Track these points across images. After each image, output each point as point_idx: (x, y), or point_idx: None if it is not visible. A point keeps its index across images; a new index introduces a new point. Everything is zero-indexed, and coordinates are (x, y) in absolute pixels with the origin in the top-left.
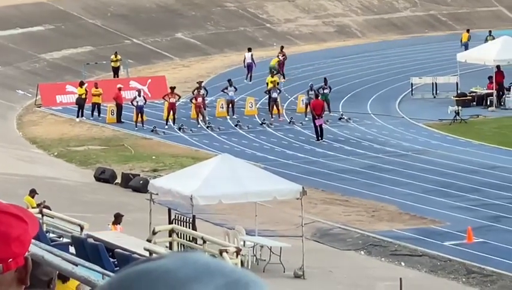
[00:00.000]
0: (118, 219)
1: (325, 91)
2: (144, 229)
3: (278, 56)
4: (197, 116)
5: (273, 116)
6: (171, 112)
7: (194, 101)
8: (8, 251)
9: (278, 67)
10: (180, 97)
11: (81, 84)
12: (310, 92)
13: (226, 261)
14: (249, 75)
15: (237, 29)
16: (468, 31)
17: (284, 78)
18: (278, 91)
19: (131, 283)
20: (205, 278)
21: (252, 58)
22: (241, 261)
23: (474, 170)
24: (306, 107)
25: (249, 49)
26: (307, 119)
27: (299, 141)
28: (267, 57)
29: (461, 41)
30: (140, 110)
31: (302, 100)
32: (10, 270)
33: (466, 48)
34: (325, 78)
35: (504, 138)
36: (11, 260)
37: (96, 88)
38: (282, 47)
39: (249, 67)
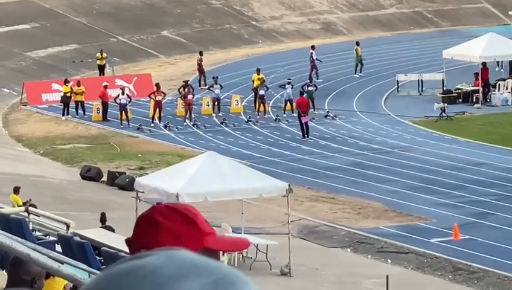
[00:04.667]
0: None
1: (309, 88)
2: (130, 227)
3: (198, 62)
4: (186, 113)
5: (259, 113)
6: (157, 110)
7: (184, 98)
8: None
9: (198, 73)
10: (165, 95)
11: (66, 82)
12: (287, 86)
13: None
14: (314, 73)
15: (223, 26)
16: None
17: (200, 85)
18: (265, 88)
19: (117, 281)
20: (191, 275)
21: (312, 57)
22: (228, 259)
23: (460, 167)
24: (285, 104)
25: (313, 47)
26: (285, 115)
27: (285, 139)
28: (253, 54)
29: None
30: (123, 108)
31: (284, 97)
32: None
33: None
34: (309, 75)
35: (490, 134)
36: None
37: (79, 86)
38: (201, 52)
39: (313, 65)
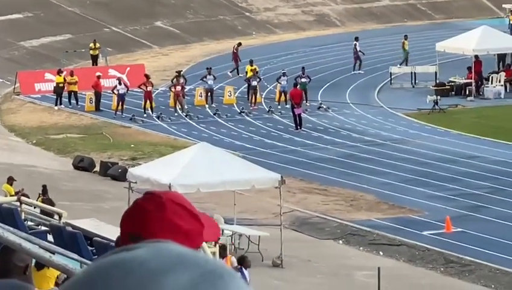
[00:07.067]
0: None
1: (302, 80)
2: None
3: (235, 47)
4: (175, 104)
5: (252, 105)
6: (148, 101)
7: (173, 89)
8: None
9: (234, 62)
10: (153, 86)
11: (59, 72)
12: (282, 78)
13: (204, 250)
14: (357, 65)
15: (216, 17)
16: None
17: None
18: (258, 80)
19: (105, 273)
20: (179, 269)
21: (356, 48)
22: (221, 248)
23: (452, 160)
24: (280, 95)
25: (356, 38)
26: (279, 107)
27: (277, 130)
28: (247, 45)
29: (509, 23)
30: (121, 98)
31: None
32: None
33: None
34: (302, 68)
35: (482, 127)
36: None
37: (72, 76)
38: (239, 43)
39: (357, 57)
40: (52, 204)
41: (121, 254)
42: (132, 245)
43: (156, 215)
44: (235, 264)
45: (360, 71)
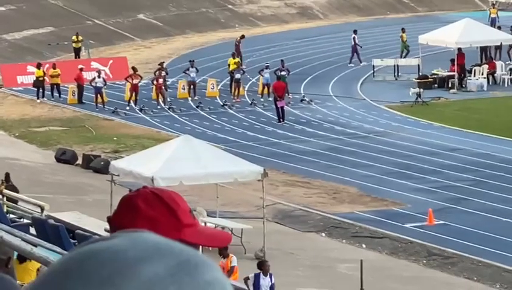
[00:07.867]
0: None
1: (282, 73)
2: (105, 210)
3: (238, 39)
4: (157, 97)
5: (235, 97)
6: (134, 93)
7: (155, 82)
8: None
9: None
10: (141, 78)
11: (39, 66)
12: (265, 71)
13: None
14: (353, 58)
15: (199, 10)
16: (493, 6)
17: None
18: (241, 72)
19: (81, 263)
20: (154, 258)
21: (355, 41)
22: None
23: (435, 152)
24: (263, 88)
25: (355, 31)
26: (262, 99)
27: (260, 123)
28: (229, 38)
29: (489, 16)
30: (98, 91)
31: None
32: None
33: (492, 23)
34: (281, 60)
35: (465, 120)
36: None
37: (54, 69)
38: (243, 36)
39: (355, 50)
40: (16, 190)
41: (96, 244)
42: (109, 235)
43: (126, 200)
44: (235, 263)
45: (350, 64)
